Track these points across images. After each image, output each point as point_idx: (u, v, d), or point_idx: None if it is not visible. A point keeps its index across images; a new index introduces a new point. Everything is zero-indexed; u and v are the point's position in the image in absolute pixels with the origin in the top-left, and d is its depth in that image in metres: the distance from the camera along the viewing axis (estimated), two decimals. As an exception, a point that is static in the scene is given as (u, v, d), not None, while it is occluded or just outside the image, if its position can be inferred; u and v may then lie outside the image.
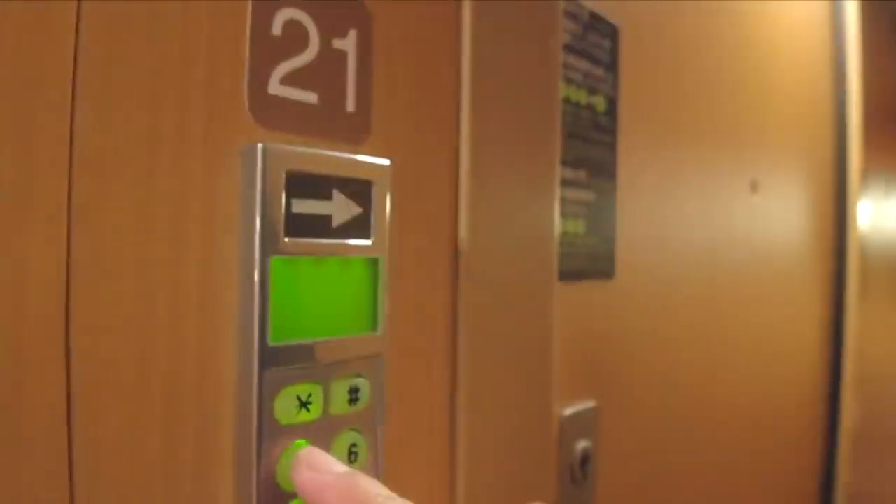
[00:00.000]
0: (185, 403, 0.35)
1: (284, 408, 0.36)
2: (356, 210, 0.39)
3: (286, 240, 0.36)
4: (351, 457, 0.39)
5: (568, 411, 0.69)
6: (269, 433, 0.35)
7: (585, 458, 0.70)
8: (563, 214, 0.68)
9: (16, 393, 0.29)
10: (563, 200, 0.68)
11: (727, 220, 1.01)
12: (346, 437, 0.39)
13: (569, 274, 0.68)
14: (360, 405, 0.39)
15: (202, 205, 0.35)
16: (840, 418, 1.41)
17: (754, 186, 1.08)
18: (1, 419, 0.28)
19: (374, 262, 0.40)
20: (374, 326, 0.40)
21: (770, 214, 1.13)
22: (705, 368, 0.95)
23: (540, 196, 0.58)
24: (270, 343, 0.35)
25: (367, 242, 0.40)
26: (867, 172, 1.50)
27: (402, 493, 0.36)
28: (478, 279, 0.50)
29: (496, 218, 0.52)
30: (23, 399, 0.29)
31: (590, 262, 0.71)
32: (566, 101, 0.67)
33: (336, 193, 0.38)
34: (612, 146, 0.74)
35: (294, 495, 0.36)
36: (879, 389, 1.66)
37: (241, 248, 0.36)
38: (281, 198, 0.36)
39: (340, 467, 0.35)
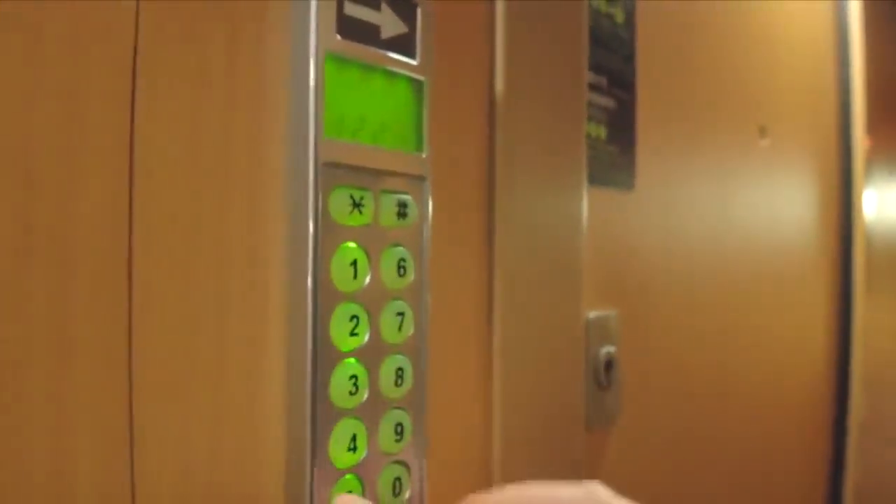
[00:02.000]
0: (235, 198, 0.35)
1: (338, 205, 0.36)
2: (402, 28, 0.40)
3: (338, 38, 0.36)
4: (400, 271, 0.39)
5: (592, 314, 0.69)
6: (324, 228, 0.36)
7: (609, 364, 0.70)
8: (587, 118, 0.68)
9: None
10: (587, 104, 0.68)
11: (737, 165, 1.02)
12: (395, 252, 0.39)
13: (591, 177, 0.69)
14: (408, 221, 0.40)
15: (257, 6, 0.36)
16: (849, 408, 1.41)
17: (763, 134, 1.09)
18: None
19: (418, 84, 0.41)
20: (419, 147, 0.41)
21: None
22: (720, 307, 0.96)
23: (571, 86, 0.59)
24: (326, 136, 0.36)
25: (413, 62, 0.40)
26: (871, 159, 1.51)
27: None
28: (513, 135, 0.51)
29: (529, 82, 0.53)
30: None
31: (611, 170, 0.72)
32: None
33: (384, 6, 0.39)
34: (630, 58, 0.74)
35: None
36: (885, 382, 1.66)
37: (294, 44, 0.36)
38: (333, -1, 0.36)
39: None
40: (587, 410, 0.68)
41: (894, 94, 1.73)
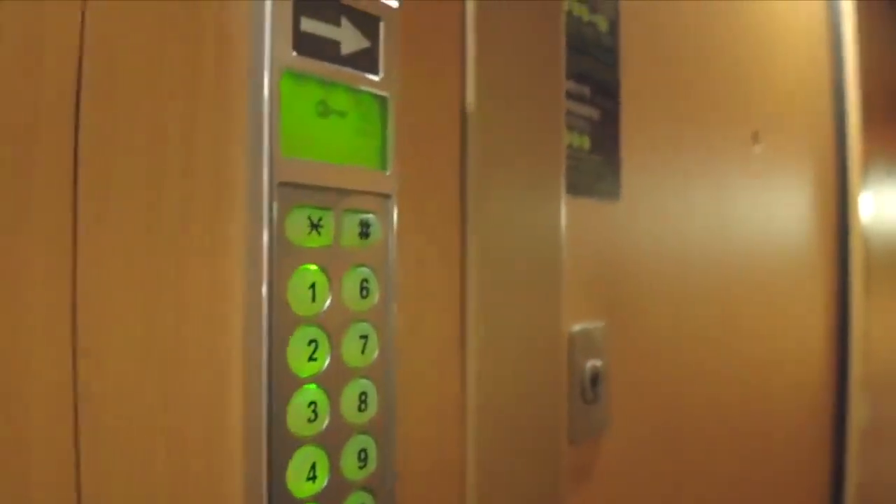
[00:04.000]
0: (196, 208, 0.34)
1: (296, 227, 0.35)
2: (364, 43, 0.39)
3: (294, 54, 0.35)
4: (363, 292, 0.38)
5: (576, 328, 0.68)
6: (281, 251, 0.35)
7: (595, 378, 0.69)
8: (568, 127, 0.67)
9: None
10: (568, 113, 0.67)
11: (731, 168, 1.01)
12: (358, 273, 0.38)
13: (574, 188, 0.68)
14: (371, 241, 0.38)
15: (213, 24, 0.34)
16: (849, 411, 1.39)
17: (757, 141, 1.08)
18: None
19: (383, 100, 0.39)
20: (383, 165, 0.39)
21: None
22: (715, 316, 0.95)
23: (548, 95, 0.57)
24: (283, 156, 0.35)
25: (376, 77, 0.39)
26: (867, 162, 1.49)
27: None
28: (486, 146, 0.50)
29: (503, 92, 0.52)
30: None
31: (595, 181, 0.71)
32: (568, 13, 0.67)
33: (344, 21, 0.38)
34: (614, 67, 0.73)
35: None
36: (885, 384, 1.64)
37: (251, 63, 0.35)
38: (289, 14, 0.35)
39: None
40: (571, 424, 0.66)
41: (889, 96, 1.72)
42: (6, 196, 0.29)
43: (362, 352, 0.38)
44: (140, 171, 0.32)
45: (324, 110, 0.37)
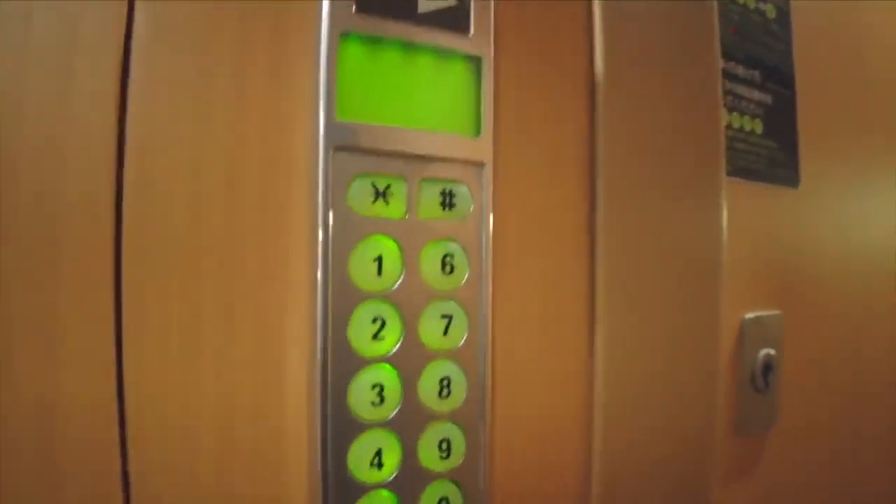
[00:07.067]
0: (247, 183, 0.24)
1: (359, 195, 0.24)
2: (448, 1, 0.26)
3: (356, 15, 0.24)
4: (445, 269, 0.26)
5: (750, 315, 0.49)
6: (340, 220, 0.24)
7: (768, 366, 0.49)
8: (738, 110, 0.49)
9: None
10: (736, 97, 0.49)
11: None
12: (440, 247, 0.26)
13: (745, 171, 0.49)
14: (458, 213, 0.26)
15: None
16: None
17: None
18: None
19: (475, 61, 0.27)
20: (475, 130, 0.27)
21: None
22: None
23: (696, 71, 0.41)
24: (338, 119, 0.24)
25: (464, 37, 0.27)
26: None
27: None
28: (619, 122, 0.35)
29: (638, 53, 0.36)
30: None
31: (769, 166, 0.51)
32: (731, 1, 0.49)
33: (422, -22, 0.26)
34: (786, 54, 0.53)
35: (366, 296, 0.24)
36: None
37: (313, 27, 0.24)
38: (353, -28, 0.24)
39: None
40: (739, 413, 0.48)
41: None
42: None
43: (444, 333, 0.26)
44: (190, 141, 0.23)
45: (400, 74, 0.25)
